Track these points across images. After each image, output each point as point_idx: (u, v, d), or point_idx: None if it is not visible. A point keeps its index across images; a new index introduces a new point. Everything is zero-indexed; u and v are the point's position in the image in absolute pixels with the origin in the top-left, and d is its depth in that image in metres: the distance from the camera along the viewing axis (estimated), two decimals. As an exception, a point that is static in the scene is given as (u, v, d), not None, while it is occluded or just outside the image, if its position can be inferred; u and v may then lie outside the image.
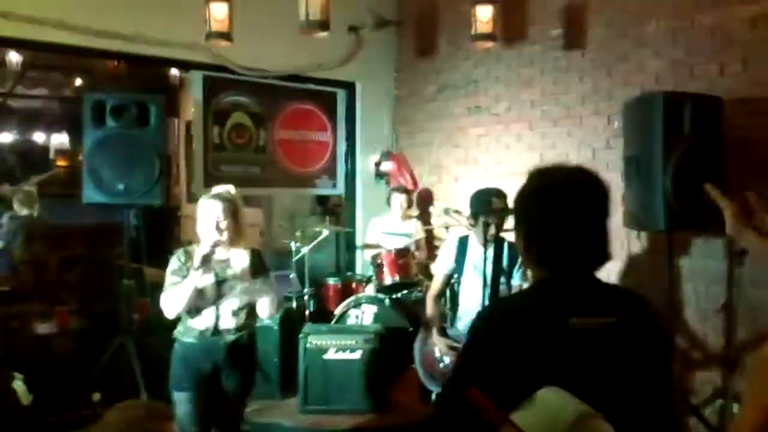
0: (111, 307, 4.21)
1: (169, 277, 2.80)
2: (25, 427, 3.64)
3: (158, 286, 4.99)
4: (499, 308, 1.51)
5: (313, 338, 4.13)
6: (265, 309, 2.88)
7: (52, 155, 8.88)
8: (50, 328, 4.51)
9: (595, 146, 4.41)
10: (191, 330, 2.83)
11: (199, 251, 2.73)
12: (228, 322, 2.83)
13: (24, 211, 5.83)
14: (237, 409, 3.01)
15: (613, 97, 4.28)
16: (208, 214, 2.79)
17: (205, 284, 2.75)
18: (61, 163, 8.65)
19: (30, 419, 3.66)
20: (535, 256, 1.45)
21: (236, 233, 2.84)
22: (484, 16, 4.45)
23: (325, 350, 4.12)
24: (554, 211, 1.41)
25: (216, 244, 2.72)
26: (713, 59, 3.74)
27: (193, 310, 2.80)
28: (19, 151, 8.78)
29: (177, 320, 2.90)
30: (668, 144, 3.18)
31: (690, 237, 3.83)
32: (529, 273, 3.57)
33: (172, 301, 2.75)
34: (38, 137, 9.11)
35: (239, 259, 2.81)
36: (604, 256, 1.44)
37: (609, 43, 4.30)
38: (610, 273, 4.22)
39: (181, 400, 2.80)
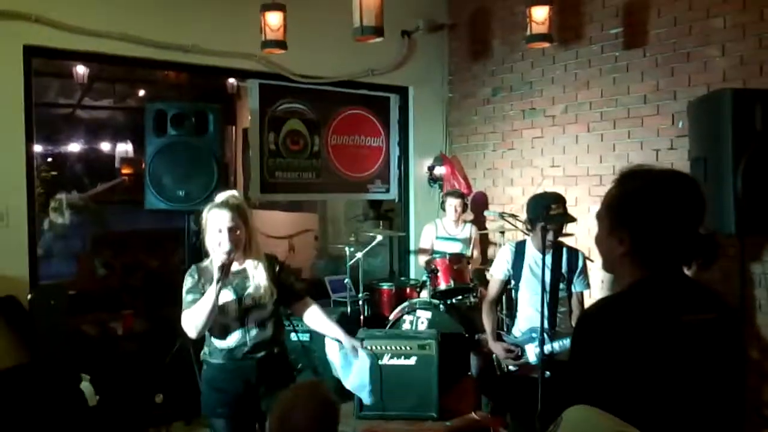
0: (172, 310, 4.32)
1: (186, 296, 2.60)
2: (92, 428, 3.77)
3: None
4: (608, 311, 1.47)
5: (368, 343, 4.13)
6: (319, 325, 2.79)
7: (117, 164, 9.22)
8: (116, 331, 4.66)
9: (658, 147, 4.26)
10: (217, 351, 2.65)
11: (214, 263, 2.54)
12: (255, 338, 2.64)
13: (59, 220, 6.08)
14: None
15: (676, 96, 4.12)
16: (216, 224, 2.58)
17: (225, 300, 2.58)
18: (125, 171, 8.97)
19: (96, 419, 3.79)
20: (640, 257, 1.46)
21: (248, 242, 2.65)
22: (539, 16, 4.37)
23: (380, 356, 4.12)
24: (663, 211, 1.44)
25: (231, 253, 2.51)
26: (786, 54, 3.56)
27: (216, 329, 2.63)
28: (86, 160, 9.14)
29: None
30: (738, 143, 3.04)
31: (762, 240, 3.64)
32: (600, 278, 3.48)
33: (193, 319, 2.54)
34: (104, 146, 9.47)
35: (256, 269, 2.65)
36: (697, 256, 1.48)
37: (672, 41, 4.14)
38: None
39: (218, 427, 2.66)
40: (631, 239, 1.46)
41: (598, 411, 1.19)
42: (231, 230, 2.56)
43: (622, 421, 1.17)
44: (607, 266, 1.59)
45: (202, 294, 2.56)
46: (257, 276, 2.64)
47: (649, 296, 1.44)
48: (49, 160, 8.50)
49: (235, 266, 2.63)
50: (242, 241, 2.61)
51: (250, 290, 2.63)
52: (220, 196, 2.69)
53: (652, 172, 1.51)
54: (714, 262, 1.47)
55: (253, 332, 2.64)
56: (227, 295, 2.59)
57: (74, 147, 9.16)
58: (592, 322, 1.48)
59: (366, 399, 3.06)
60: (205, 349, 2.72)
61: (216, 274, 2.48)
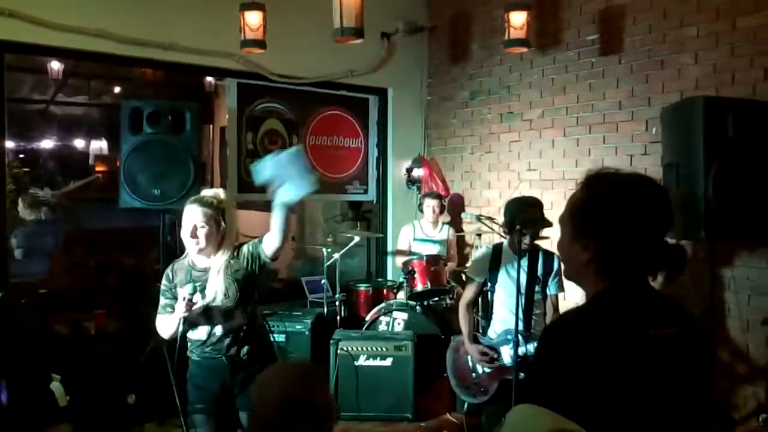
0: (146, 310, 4.27)
1: (160, 298, 2.76)
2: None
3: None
4: (574, 324, 1.40)
5: (344, 344, 4.14)
6: (276, 236, 2.72)
7: (91, 161, 9.08)
8: (88, 331, 4.59)
9: (632, 153, 4.33)
10: (193, 345, 2.76)
11: (195, 259, 2.69)
12: (221, 331, 2.70)
13: (31, 216, 5.96)
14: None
15: (650, 103, 4.19)
16: (187, 220, 2.66)
17: (196, 305, 2.64)
18: (99, 168, 8.84)
19: (67, 420, 3.73)
20: (605, 266, 1.39)
21: (222, 239, 2.71)
22: (517, 21, 4.41)
23: (356, 356, 4.12)
24: (630, 218, 1.37)
25: (190, 303, 2.59)
26: (756, 63, 3.64)
27: (187, 325, 2.70)
28: (59, 156, 8.99)
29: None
30: (710, 150, 3.09)
31: (732, 246, 3.73)
32: (566, 283, 3.52)
33: (166, 326, 2.72)
34: (78, 143, 9.32)
35: (221, 266, 2.69)
36: (663, 266, 1.41)
37: (647, 48, 4.22)
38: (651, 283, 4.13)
39: (199, 422, 2.75)
40: (597, 247, 1.39)
41: (543, 410, 1.18)
42: (205, 225, 2.65)
43: (565, 419, 1.13)
44: (569, 273, 1.51)
45: (174, 298, 2.68)
46: (221, 273, 2.70)
47: (615, 309, 1.38)
48: (21, 156, 8.34)
49: (204, 262, 2.72)
50: (213, 238, 2.68)
51: (212, 289, 2.68)
52: (203, 192, 2.79)
53: (618, 176, 1.44)
54: (680, 273, 1.41)
55: (219, 327, 2.70)
56: (195, 298, 2.65)
57: (47, 143, 9.00)
58: (557, 335, 1.41)
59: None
60: (188, 345, 2.80)
61: (181, 309, 2.58)
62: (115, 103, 8.43)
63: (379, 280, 5.61)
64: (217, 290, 2.67)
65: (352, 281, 5.31)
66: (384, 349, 4.17)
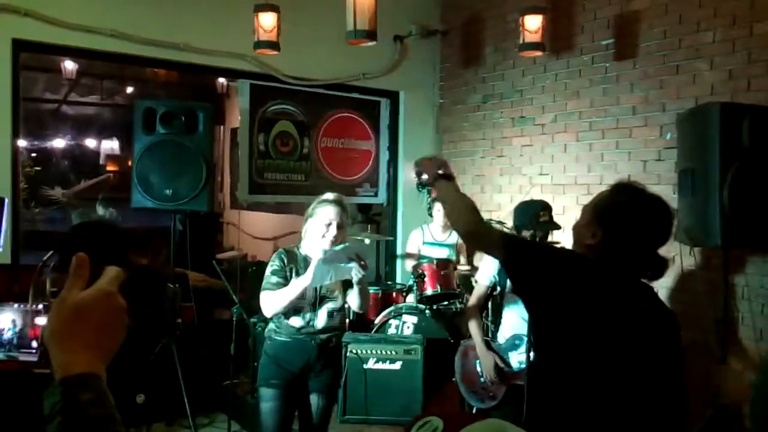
0: (156, 310, 4.28)
1: (270, 277, 2.82)
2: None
3: (201, 291, 5.08)
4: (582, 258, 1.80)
5: (353, 347, 4.12)
6: (355, 300, 2.91)
7: (102, 160, 9.14)
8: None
9: (646, 158, 4.30)
10: (286, 327, 2.86)
11: (309, 250, 2.81)
12: (322, 323, 2.86)
13: (42, 215, 6.03)
14: (326, 409, 2.99)
15: (665, 108, 4.16)
16: (326, 217, 2.83)
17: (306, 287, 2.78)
18: (110, 168, 8.90)
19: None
20: (604, 256, 1.75)
21: (342, 239, 2.89)
22: (532, 25, 4.39)
23: (365, 360, 4.11)
24: (637, 229, 1.75)
25: (334, 247, 2.77)
26: (773, 70, 3.61)
27: (291, 310, 2.83)
28: (71, 155, 9.05)
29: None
30: (725, 157, 3.06)
31: (747, 254, 3.69)
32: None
33: (275, 301, 2.76)
34: (89, 143, 9.39)
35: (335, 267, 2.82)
36: (649, 271, 1.80)
37: (661, 53, 4.19)
38: (661, 289, 4.09)
39: (268, 396, 2.84)
40: (603, 238, 1.74)
41: (512, 426, 1.18)
42: (339, 227, 2.83)
43: None
44: (574, 247, 1.87)
45: (286, 278, 2.80)
46: (336, 272, 2.82)
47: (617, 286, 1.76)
48: (34, 155, 8.41)
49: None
50: (341, 238, 2.85)
51: (328, 283, 2.83)
52: (330, 195, 2.93)
53: (642, 192, 1.80)
54: (660, 277, 1.78)
55: (322, 319, 2.85)
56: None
57: (59, 142, 9.07)
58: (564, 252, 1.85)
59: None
60: (272, 326, 2.93)
61: (313, 264, 2.68)
62: (127, 103, 8.49)
63: (389, 283, 5.60)
64: (334, 284, 2.84)
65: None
66: (393, 353, 4.15)
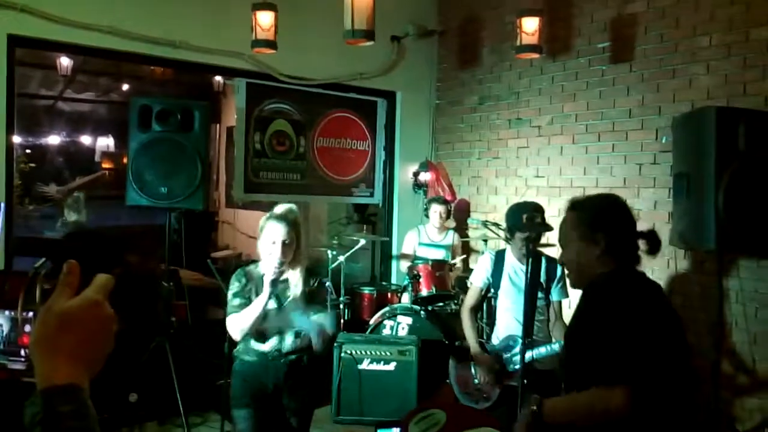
0: (150, 309, 4.26)
1: (232, 299, 2.75)
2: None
3: (195, 289, 5.07)
4: (619, 281, 1.91)
5: (347, 347, 4.12)
6: (314, 343, 2.81)
7: (97, 158, 9.10)
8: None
9: (641, 161, 4.31)
10: (253, 351, 2.79)
11: (266, 276, 2.67)
12: (290, 344, 2.78)
13: (73, 217, 5.99)
14: (301, 428, 2.91)
15: (661, 112, 4.18)
16: (271, 236, 2.72)
17: (269, 308, 2.71)
18: (106, 165, 8.87)
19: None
20: (611, 255, 1.92)
21: (297, 254, 2.79)
22: (529, 27, 4.40)
23: (359, 360, 4.10)
24: (623, 215, 1.99)
25: (281, 266, 2.66)
26: (768, 75, 3.62)
27: (257, 334, 2.76)
28: (66, 152, 9.02)
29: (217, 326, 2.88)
30: (721, 161, 3.07)
31: (741, 258, 3.70)
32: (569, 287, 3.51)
33: (239, 323, 2.69)
34: (84, 140, 9.35)
35: (296, 281, 2.79)
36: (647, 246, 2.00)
37: (658, 57, 4.20)
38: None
39: (241, 417, 2.77)
40: (607, 239, 1.91)
41: None
42: (284, 244, 2.70)
43: None
44: (580, 275, 1.99)
45: (248, 299, 2.71)
46: (296, 288, 2.78)
47: (639, 277, 1.94)
48: (28, 151, 8.37)
49: (281, 275, 2.74)
50: (291, 254, 2.74)
51: (290, 300, 2.76)
52: (279, 208, 2.81)
53: (595, 195, 2.15)
54: (658, 250, 1.94)
55: (289, 341, 2.77)
56: (271, 303, 2.70)
57: (54, 139, 9.04)
58: (608, 290, 1.88)
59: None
60: (240, 346, 2.84)
61: (267, 287, 2.63)
62: (123, 101, 8.47)
63: (384, 283, 5.59)
64: (298, 295, 2.76)
65: (356, 284, 5.29)
66: (388, 354, 4.15)
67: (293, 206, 2.86)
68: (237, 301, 2.73)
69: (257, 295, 2.72)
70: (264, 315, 2.68)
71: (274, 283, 2.63)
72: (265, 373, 2.77)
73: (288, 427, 2.85)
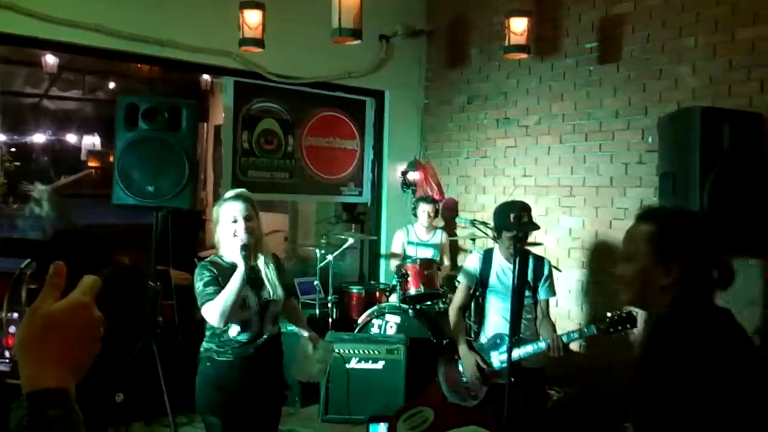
0: (136, 308, 4.23)
1: (206, 288, 2.57)
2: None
3: (183, 289, 5.03)
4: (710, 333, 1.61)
5: (335, 346, 4.11)
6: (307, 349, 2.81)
7: (83, 156, 9.03)
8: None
9: (628, 161, 4.34)
10: (231, 345, 2.64)
11: (228, 255, 2.61)
12: (270, 332, 2.71)
13: (36, 212, 5.93)
14: (274, 420, 2.87)
15: (647, 112, 4.21)
16: (230, 214, 2.62)
17: (245, 295, 2.60)
18: (92, 164, 8.79)
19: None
20: (682, 286, 1.63)
21: (260, 239, 2.69)
22: (518, 27, 4.41)
23: (347, 359, 4.10)
24: (712, 248, 1.69)
25: (249, 239, 2.58)
26: (753, 76, 3.66)
27: (237, 324, 2.63)
28: (52, 151, 8.93)
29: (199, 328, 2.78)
30: (706, 160, 3.10)
31: (727, 257, 3.73)
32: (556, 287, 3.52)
33: (220, 307, 2.50)
34: (70, 138, 9.27)
35: (268, 266, 2.70)
36: (722, 281, 1.72)
37: (645, 58, 4.23)
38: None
39: (214, 425, 2.65)
40: (683, 271, 1.62)
41: None
42: (246, 219, 2.61)
43: None
44: (640, 295, 1.71)
45: (221, 285, 2.55)
46: (270, 272, 2.70)
47: (723, 318, 1.64)
48: (13, 150, 8.28)
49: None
50: (256, 233, 2.65)
51: (267, 286, 2.69)
52: (231, 192, 2.75)
53: (672, 210, 1.81)
54: (730, 285, 1.66)
55: (269, 327, 2.70)
56: (246, 290, 2.60)
57: (40, 137, 8.95)
58: (679, 335, 1.61)
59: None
60: (210, 345, 2.68)
61: (241, 259, 2.50)
62: (109, 99, 8.41)
63: (372, 282, 5.60)
64: (276, 286, 2.69)
65: (344, 283, 5.29)
66: (376, 352, 4.15)
67: (243, 189, 2.81)
68: (211, 289, 2.55)
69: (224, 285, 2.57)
70: (242, 303, 2.57)
71: (247, 248, 2.53)
72: (240, 373, 2.64)
73: (267, 419, 2.79)
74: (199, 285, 2.60)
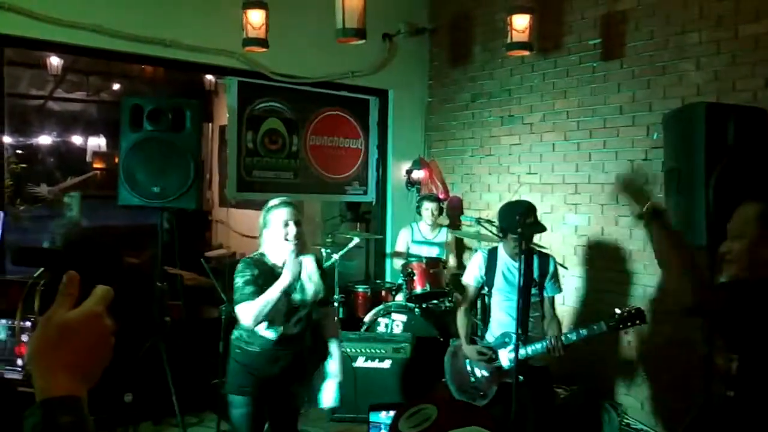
0: (144, 309, 4.25)
1: (244, 287, 2.72)
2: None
3: (190, 289, 5.05)
4: None
5: (342, 345, 4.12)
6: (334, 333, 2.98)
7: (89, 158, 9.05)
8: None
9: (633, 158, 4.33)
10: (258, 339, 2.82)
11: (276, 256, 2.77)
12: (296, 333, 2.85)
13: (69, 215, 5.99)
14: (296, 412, 3.03)
15: (652, 108, 4.20)
16: (281, 219, 2.79)
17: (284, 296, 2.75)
18: (97, 165, 8.81)
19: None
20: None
21: (306, 242, 2.86)
22: (520, 24, 4.41)
23: (354, 358, 4.11)
24: None
25: (298, 245, 2.75)
26: (757, 71, 3.65)
27: (268, 322, 2.80)
28: (58, 152, 8.97)
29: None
30: (710, 156, 3.08)
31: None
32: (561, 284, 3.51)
33: (255, 310, 2.67)
34: (76, 140, 9.30)
35: (310, 268, 2.83)
36: None
37: (648, 54, 4.22)
38: (647, 288, 4.13)
39: (239, 404, 2.82)
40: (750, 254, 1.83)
41: None
42: (297, 224, 2.80)
43: None
44: (747, 269, 1.92)
45: (260, 287, 2.70)
46: (311, 275, 2.82)
47: None
48: (19, 152, 8.31)
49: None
50: (303, 238, 2.81)
51: (300, 287, 2.81)
52: (276, 199, 2.90)
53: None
54: None
55: (296, 328, 2.83)
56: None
57: (45, 139, 8.98)
58: None
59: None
60: (240, 334, 2.87)
61: (289, 272, 2.66)
62: (114, 100, 8.42)
63: (378, 281, 5.60)
64: (315, 287, 2.83)
65: (350, 282, 5.30)
66: (382, 351, 4.16)
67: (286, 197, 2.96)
68: (250, 289, 2.71)
69: (267, 285, 2.71)
70: (279, 300, 2.70)
71: (299, 264, 2.69)
72: (270, 363, 2.81)
73: (286, 413, 2.92)
74: (239, 281, 2.74)
